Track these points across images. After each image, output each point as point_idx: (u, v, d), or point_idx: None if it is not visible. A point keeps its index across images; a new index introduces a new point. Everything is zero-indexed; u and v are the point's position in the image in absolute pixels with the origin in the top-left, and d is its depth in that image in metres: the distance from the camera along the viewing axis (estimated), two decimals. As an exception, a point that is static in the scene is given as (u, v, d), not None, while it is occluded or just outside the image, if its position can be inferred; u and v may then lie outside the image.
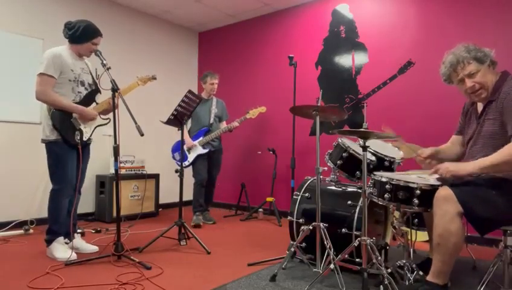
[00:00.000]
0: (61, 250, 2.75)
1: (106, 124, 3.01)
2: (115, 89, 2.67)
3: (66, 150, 2.75)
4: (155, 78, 3.13)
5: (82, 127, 2.82)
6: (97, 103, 2.93)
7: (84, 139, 2.83)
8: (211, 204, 4.48)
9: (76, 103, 2.80)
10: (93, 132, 2.91)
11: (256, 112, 4.23)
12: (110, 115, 2.98)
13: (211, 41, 5.71)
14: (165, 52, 5.35)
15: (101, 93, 3.01)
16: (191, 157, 4.15)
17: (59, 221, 2.77)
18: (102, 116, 2.96)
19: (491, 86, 2.07)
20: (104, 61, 2.70)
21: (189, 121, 4.29)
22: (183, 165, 4.08)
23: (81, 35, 2.77)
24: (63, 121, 2.73)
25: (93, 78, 2.98)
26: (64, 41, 2.86)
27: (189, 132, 4.26)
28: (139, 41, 5.01)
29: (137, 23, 4.99)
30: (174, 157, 4.25)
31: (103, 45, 4.45)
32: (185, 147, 4.15)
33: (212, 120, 4.23)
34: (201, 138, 4.14)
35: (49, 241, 2.79)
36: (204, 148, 4.13)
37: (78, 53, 2.86)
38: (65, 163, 2.75)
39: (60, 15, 4.17)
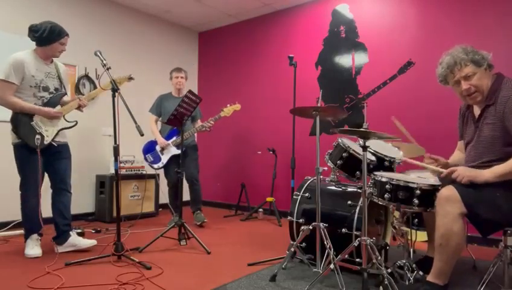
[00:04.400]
0: (30, 247, 2.83)
1: (71, 127, 2.98)
2: (115, 89, 2.68)
3: (27, 154, 2.77)
4: (132, 78, 3.06)
5: (43, 130, 2.81)
6: (61, 106, 2.94)
7: (45, 142, 2.81)
8: (204, 204, 4.37)
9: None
10: (56, 135, 2.89)
11: (230, 109, 4.06)
12: (77, 118, 3.00)
13: (211, 41, 5.72)
14: (165, 52, 5.35)
15: (66, 94, 2.99)
16: (164, 158, 4.00)
17: (29, 220, 2.85)
18: (68, 118, 2.95)
19: (486, 90, 2.07)
20: (104, 62, 2.71)
21: (159, 123, 4.19)
22: (157, 167, 4.01)
23: (48, 35, 2.77)
24: (22, 125, 2.74)
25: (61, 81, 2.98)
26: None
27: (160, 132, 4.13)
28: (139, 41, 5.01)
29: (137, 23, 4.99)
30: (146, 159, 4.07)
31: (103, 44, 4.44)
32: (158, 148, 4.03)
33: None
34: (174, 138, 3.98)
35: (25, 237, 2.90)
36: (178, 148, 3.91)
37: (45, 56, 2.87)
38: (28, 167, 2.79)
39: (59, 15, 4.17)
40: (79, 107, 2.97)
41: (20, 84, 2.75)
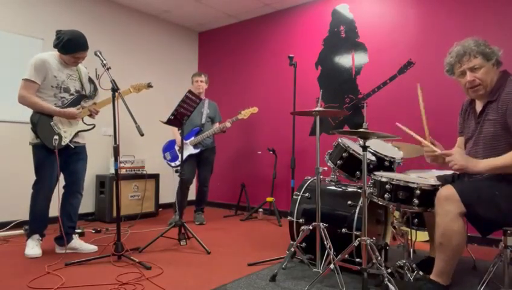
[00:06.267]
0: (30, 247, 2.84)
1: (89, 129, 3.01)
2: (115, 89, 2.68)
3: (45, 154, 2.77)
4: (151, 86, 3.11)
5: (62, 131, 2.82)
6: (83, 108, 2.95)
7: (63, 144, 2.82)
8: (206, 204, 4.45)
9: (58, 107, 2.82)
10: (74, 136, 2.90)
11: (248, 112, 4.21)
12: (94, 121, 3.02)
13: (211, 42, 5.72)
14: (165, 52, 5.35)
15: (87, 97, 3.02)
16: None
17: (34, 220, 2.86)
18: (86, 121, 2.98)
19: (490, 85, 2.05)
20: (104, 62, 2.71)
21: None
22: (174, 165, 4.14)
23: (63, 47, 2.78)
24: (41, 125, 2.74)
25: (82, 84, 3.00)
26: None
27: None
28: (139, 41, 5.00)
29: (137, 23, 4.99)
30: (164, 157, 4.22)
31: (103, 44, 4.44)
32: (176, 147, 4.15)
33: (204, 120, 4.23)
34: (192, 138, 4.11)
35: (27, 236, 2.91)
36: (195, 148, 4.11)
37: (63, 60, 2.89)
38: (44, 167, 2.79)
39: (60, 15, 4.18)
40: (90, 114, 2.98)
41: (42, 84, 2.77)
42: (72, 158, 2.92)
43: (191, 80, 4.37)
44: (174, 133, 4.22)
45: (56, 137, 2.77)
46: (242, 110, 4.21)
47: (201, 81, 4.26)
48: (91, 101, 3.05)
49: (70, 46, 2.78)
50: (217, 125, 4.29)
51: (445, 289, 1.99)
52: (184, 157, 4.05)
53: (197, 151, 4.11)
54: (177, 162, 4.11)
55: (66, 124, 2.86)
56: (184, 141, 4.07)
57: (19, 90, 2.75)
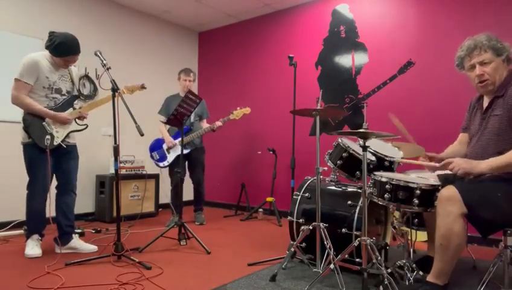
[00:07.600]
0: (30, 247, 2.84)
1: (82, 130, 3.01)
2: (115, 89, 2.68)
3: (36, 153, 2.77)
4: (144, 88, 3.10)
5: (54, 131, 2.82)
6: (74, 109, 2.95)
7: (55, 143, 2.82)
8: (204, 204, 4.42)
9: (51, 108, 2.83)
10: (66, 136, 2.90)
11: (240, 112, 4.14)
12: (87, 122, 3.03)
13: (211, 42, 5.72)
14: (165, 52, 5.35)
15: (80, 98, 3.02)
16: (170, 157, 4.05)
17: (32, 220, 2.86)
18: (79, 121, 2.98)
19: (498, 81, 2.05)
20: (104, 62, 2.71)
21: None
22: (162, 165, 4.07)
23: (54, 49, 2.78)
24: (33, 125, 2.75)
25: (73, 84, 3.01)
26: None
27: (168, 131, 4.16)
28: (139, 42, 5.00)
29: (137, 23, 4.99)
30: (152, 157, 4.11)
31: (103, 44, 4.45)
32: (164, 147, 4.07)
33: (192, 119, 4.13)
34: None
35: (26, 236, 2.91)
36: (185, 148, 3.99)
37: (55, 62, 2.89)
38: (37, 166, 2.79)
39: (59, 15, 4.18)
40: (79, 118, 2.98)
41: (34, 85, 2.77)
42: (63, 158, 2.92)
43: (178, 76, 4.22)
44: (161, 131, 4.14)
45: (48, 137, 2.78)
46: (234, 111, 4.13)
47: (189, 81, 4.14)
48: (90, 101, 3.05)
49: (62, 49, 2.78)
50: (205, 123, 4.23)
51: (442, 289, 1.99)
52: (173, 158, 4.03)
53: (186, 151, 4.03)
54: (165, 163, 4.05)
55: (57, 124, 2.86)
56: (174, 141, 4.01)
57: (11, 91, 2.76)
